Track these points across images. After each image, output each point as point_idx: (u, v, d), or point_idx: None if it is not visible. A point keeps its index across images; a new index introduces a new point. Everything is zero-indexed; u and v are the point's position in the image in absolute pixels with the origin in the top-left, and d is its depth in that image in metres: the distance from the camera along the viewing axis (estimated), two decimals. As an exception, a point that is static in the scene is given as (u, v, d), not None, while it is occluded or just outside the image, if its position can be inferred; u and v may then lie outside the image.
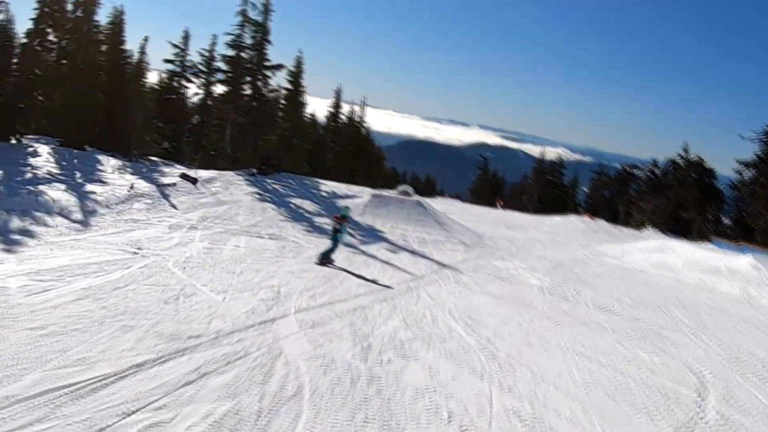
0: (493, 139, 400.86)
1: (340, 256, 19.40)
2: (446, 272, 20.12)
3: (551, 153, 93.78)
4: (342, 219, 19.58)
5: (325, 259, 18.71)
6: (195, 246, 18.12)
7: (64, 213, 19.80)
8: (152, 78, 51.87)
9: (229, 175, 33.63)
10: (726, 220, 71.25)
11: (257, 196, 29.50)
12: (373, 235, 25.78)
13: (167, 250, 16.97)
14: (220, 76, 46.58)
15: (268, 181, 34.75)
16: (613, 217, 66.69)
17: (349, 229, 21.08)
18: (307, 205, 30.20)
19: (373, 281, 16.96)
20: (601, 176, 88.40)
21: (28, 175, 24.60)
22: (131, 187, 25.44)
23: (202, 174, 31.75)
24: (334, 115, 69.32)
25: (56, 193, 22.03)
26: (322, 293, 14.56)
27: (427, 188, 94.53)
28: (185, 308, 11.78)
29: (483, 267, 22.15)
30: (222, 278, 14.60)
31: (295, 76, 53.44)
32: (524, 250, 28.47)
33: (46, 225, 18.06)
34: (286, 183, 35.75)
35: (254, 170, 36.42)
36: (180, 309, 11.69)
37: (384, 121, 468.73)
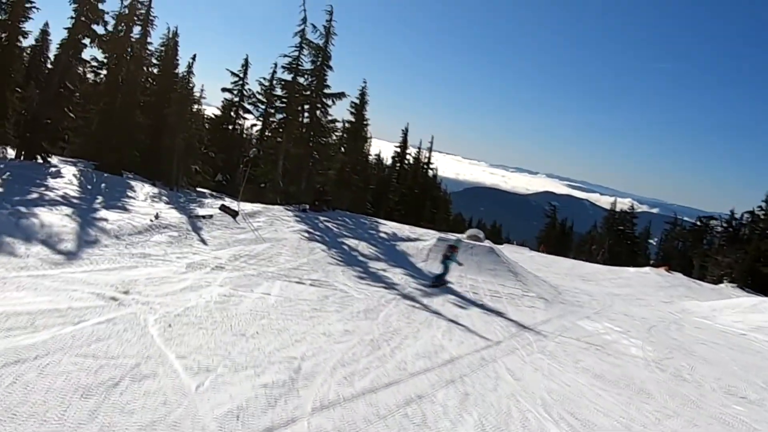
0: (559, 187, 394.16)
1: (395, 309, 15.60)
2: (527, 337, 15.61)
3: (619, 204, 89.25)
4: (454, 249, 21.97)
5: (438, 282, 20.80)
6: (209, 292, 13.57)
7: (50, 241, 15.30)
8: (204, 103, 48.35)
9: (277, 209, 29.32)
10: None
11: (305, 235, 25.13)
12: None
13: (165, 297, 12.38)
14: (277, 104, 42.42)
15: (321, 218, 30.29)
16: (687, 271, 61.54)
17: (454, 263, 21.81)
18: (363, 247, 25.71)
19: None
20: (675, 227, 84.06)
21: (33, 196, 20.33)
22: (156, 217, 21.15)
23: (246, 207, 27.40)
24: (400, 156, 65.75)
25: (54, 216, 17.52)
26: (363, 371, 9.84)
27: (494, 235, 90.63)
28: (114, 407, 6.65)
29: (569, 329, 17.79)
30: (219, 344, 9.85)
31: (358, 108, 49.26)
32: (607, 307, 24.25)
33: (11, 254, 13.49)
34: (341, 221, 31.20)
35: (306, 206, 32.09)
36: (102, 409, 6.54)
37: (451, 167, 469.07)
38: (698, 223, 77.05)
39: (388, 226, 32.45)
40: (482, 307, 18.80)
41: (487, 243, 29.19)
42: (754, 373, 15.93)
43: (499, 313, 18.21)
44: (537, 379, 11.54)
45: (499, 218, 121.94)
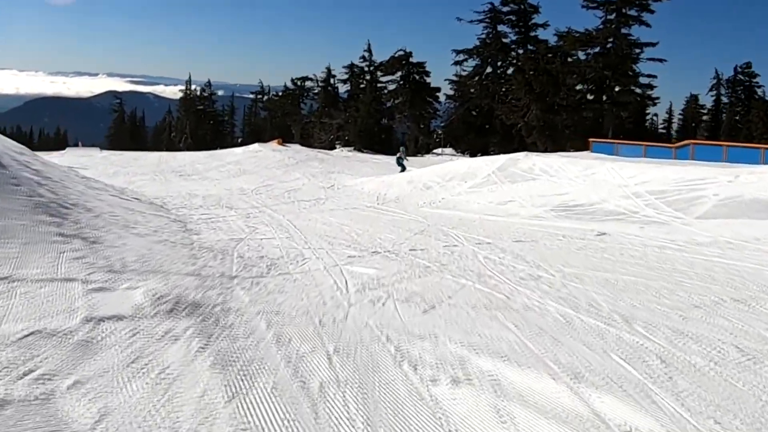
0: (121, 85, 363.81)
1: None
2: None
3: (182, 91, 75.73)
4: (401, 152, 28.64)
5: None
6: None
7: None
8: None
9: None
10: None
11: None
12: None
13: None
14: None
15: None
16: (289, 140, 53.20)
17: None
18: None
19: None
20: (263, 96, 74.55)
21: None
22: None
23: None
24: None
25: None
26: None
27: (59, 143, 79.08)
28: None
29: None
30: None
31: None
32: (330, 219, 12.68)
33: None
34: None
35: None
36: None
37: (10, 82, 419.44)
38: (293, 84, 66.07)
39: None
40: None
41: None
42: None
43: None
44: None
45: (66, 125, 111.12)
